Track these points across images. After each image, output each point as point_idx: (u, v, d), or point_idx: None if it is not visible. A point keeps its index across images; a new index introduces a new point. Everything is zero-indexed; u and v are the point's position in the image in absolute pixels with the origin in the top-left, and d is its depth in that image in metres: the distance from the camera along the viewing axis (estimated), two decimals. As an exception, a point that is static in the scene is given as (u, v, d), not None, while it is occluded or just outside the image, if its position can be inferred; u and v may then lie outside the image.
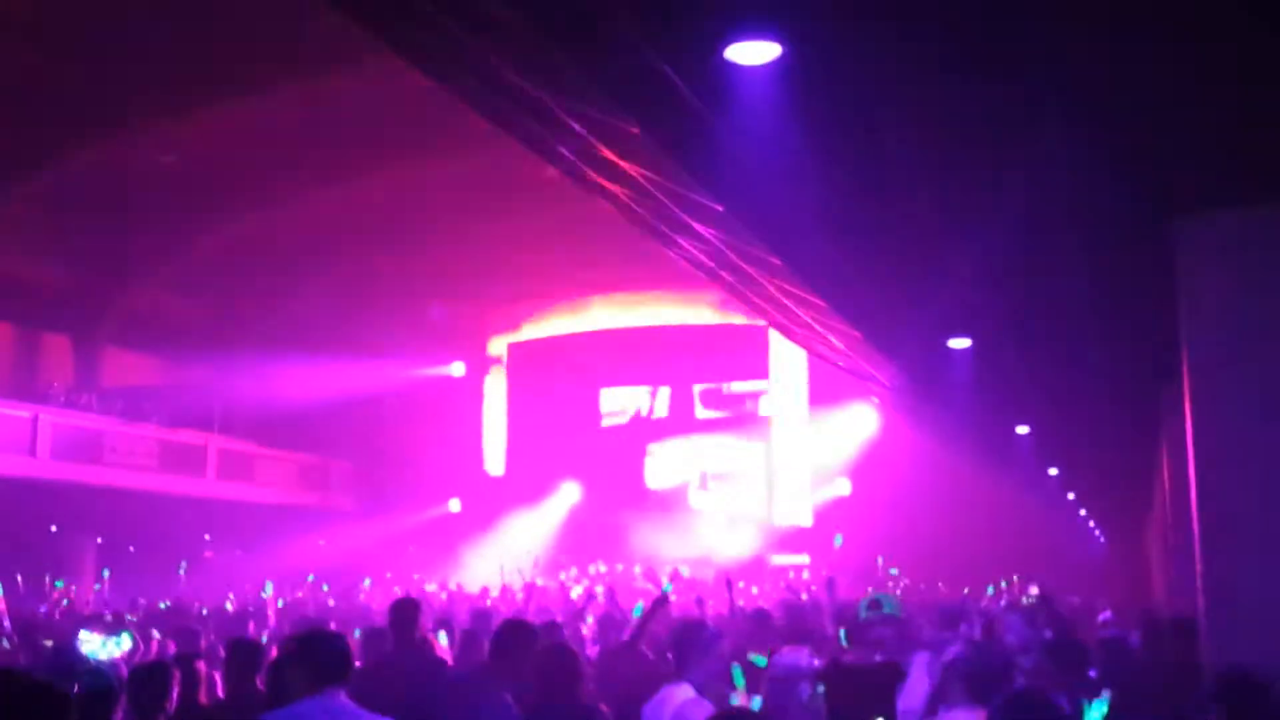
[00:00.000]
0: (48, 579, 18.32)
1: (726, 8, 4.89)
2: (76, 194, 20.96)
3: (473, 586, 20.24)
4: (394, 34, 5.86)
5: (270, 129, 19.23)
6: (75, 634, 9.23)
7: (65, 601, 16.86)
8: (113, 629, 8.18)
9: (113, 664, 6.65)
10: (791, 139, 6.18)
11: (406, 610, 6.96)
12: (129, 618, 11.36)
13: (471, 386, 31.72)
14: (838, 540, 19.44)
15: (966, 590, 18.50)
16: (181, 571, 20.30)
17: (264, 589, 15.84)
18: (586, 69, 5.55)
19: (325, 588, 20.33)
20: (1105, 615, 12.23)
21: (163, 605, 15.39)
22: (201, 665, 6.37)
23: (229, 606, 15.71)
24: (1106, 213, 7.52)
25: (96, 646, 7.68)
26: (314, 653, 4.69)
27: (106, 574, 19.91)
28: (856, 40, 5.07)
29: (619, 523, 28.33)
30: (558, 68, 5.57)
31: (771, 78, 5.49)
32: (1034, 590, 17.00)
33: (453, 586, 21.01)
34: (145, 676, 5.64)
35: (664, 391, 31.74)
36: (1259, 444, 6.75)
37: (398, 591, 18.24)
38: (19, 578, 16.50)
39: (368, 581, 21.51)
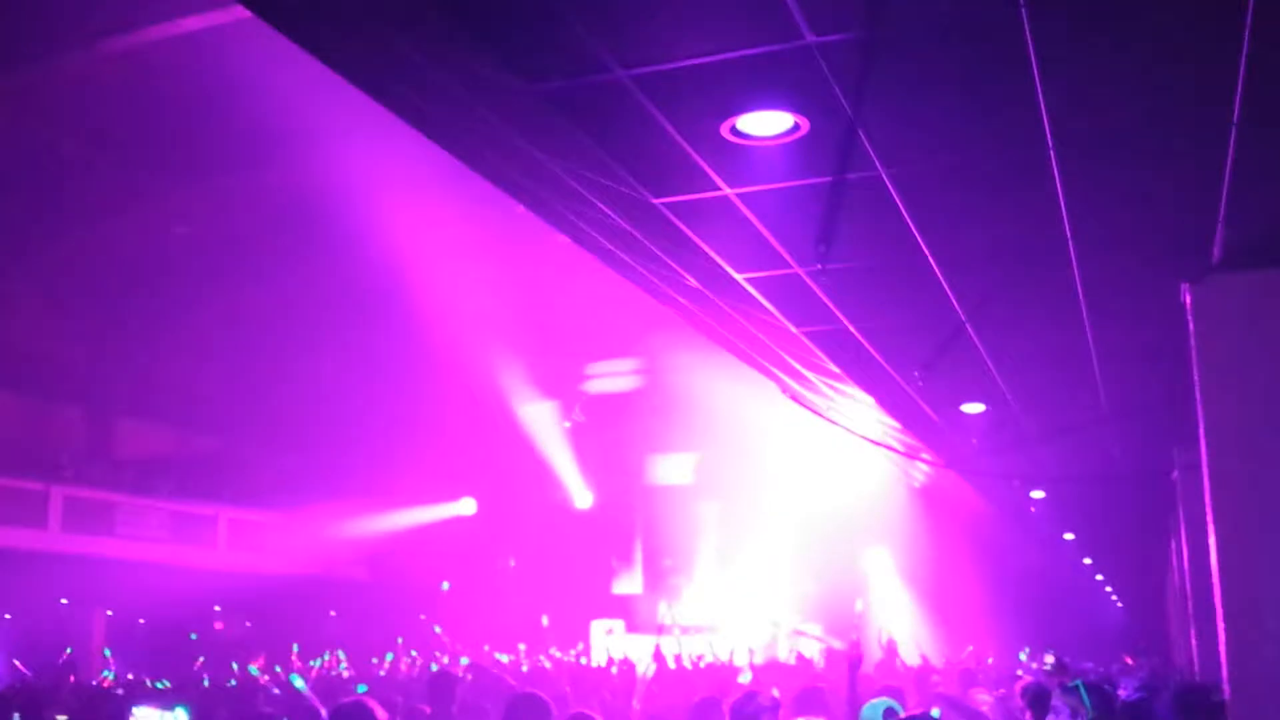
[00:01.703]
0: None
1: (739, 79, 4.93)
2: (87, 266, 21.11)
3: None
4: (400, 102, 5.91)
5: (277, 201, 19.41)
6: (80, 710, 9.15)
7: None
8: (168, 702, 8.09)
9: None
10: (806, 211, 6.22)
11: (443, 684, 7.02)
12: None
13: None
14: (859, 605, 19.05)
15: (991, 659, 18.25)
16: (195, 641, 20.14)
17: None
18: (599, 138, 5.60)
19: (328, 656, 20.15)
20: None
21: (162, 685, 15.26)
22: None
23: (232, 682, 15.61)
24: (1120, 277, 7.54)
25: None
26: None
27: (108, 653, 19.79)
28: (870, 113, 5.11)
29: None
30: (570, 137, 5.61)
31: (785, 149, 5.54)
32: (1049, 659, 16.76)
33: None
34: None
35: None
36: None
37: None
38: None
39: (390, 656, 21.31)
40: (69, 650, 18.82)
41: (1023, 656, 19.06)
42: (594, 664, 19.73)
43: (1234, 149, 5.48)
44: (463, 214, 18.31)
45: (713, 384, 22.26)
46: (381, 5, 4.71)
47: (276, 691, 12.11)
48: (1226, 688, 6.85)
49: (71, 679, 16.10)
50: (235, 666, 17.61)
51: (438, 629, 22.82)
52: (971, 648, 19.81)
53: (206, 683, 15.12)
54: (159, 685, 15.30)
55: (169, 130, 17.50)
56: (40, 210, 19.17)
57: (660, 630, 19.59)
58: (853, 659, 7.35)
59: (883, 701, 6.06)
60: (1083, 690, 5.97)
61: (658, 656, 14.70)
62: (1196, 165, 5.76)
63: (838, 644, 13.03)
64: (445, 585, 28.48)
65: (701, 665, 17.31)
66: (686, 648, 19.25)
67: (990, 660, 18.15)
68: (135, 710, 7.90)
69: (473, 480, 31.32)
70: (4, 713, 9.87)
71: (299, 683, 8.46)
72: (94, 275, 21.45)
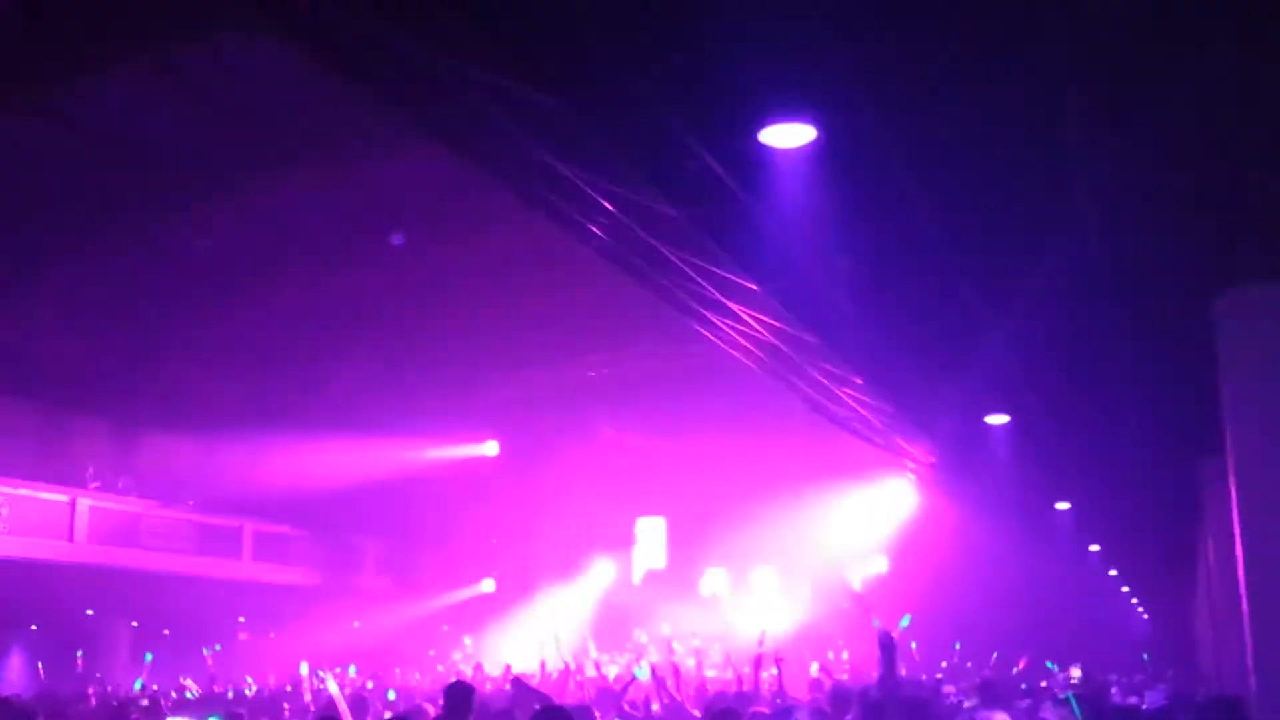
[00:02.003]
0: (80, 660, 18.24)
1: (762, 91, 4.93)
2: (112, 276, 21.18)
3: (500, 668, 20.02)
4: (431, 120, 5.93)
5: (304, 211, 19.45)
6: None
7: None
8: (202, 713, 8.10)
9: None
10: (827, 220, 6.20)
11: (460, 694, 7.01)
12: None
13: (506, 464, 31.55)
14: (904, 621, 18.29)
15: (1016, 669, 18.08)
16: (207, 653, 20.14)
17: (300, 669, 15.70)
18: (623, 152, 5.60)
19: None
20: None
21: (190, 695, 15.26)
22: None
23: (248, 692, 15.58)
24: (1147, 286, 7.49)
25: None
26: None
27: (149, 658, 19.83)
28: (891, 122, 5.10)
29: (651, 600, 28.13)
30: (595, 151, 5.62)
31: (806, 160, 5.52)
32: (1076, 672, 16.64)
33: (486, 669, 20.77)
34: None
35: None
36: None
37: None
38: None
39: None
40: (80, 654, 18.88)
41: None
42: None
43: (1267, 161, 5.45)
44: (484, 225, 18.31)
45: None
46: (410, 20, 4.73)
47: (307, 699, 12.07)
48: (1254, 696, 6.80)
49: (91, 690, 16.11)
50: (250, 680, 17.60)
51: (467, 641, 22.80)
52: (997, 654, 19.69)
53: (231, 694, 15.10)
54: (189, 695, 15.32)
55: (194, 143, 17.57)
56: (65, 222, 19.26)
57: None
58: (884, 641, 7.25)
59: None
60: (1073, 702, 5.95)
61: (674, 670, 14.59)
62: (1225, 175, 5.73)
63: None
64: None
65: (717, 673, 17.17)
66: (702, 654, 19.16)
67: (1015, 670, 17.99)
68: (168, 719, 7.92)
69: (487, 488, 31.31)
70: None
71: (333, 687, 8.43)
72: (119, 287, 21.49)
